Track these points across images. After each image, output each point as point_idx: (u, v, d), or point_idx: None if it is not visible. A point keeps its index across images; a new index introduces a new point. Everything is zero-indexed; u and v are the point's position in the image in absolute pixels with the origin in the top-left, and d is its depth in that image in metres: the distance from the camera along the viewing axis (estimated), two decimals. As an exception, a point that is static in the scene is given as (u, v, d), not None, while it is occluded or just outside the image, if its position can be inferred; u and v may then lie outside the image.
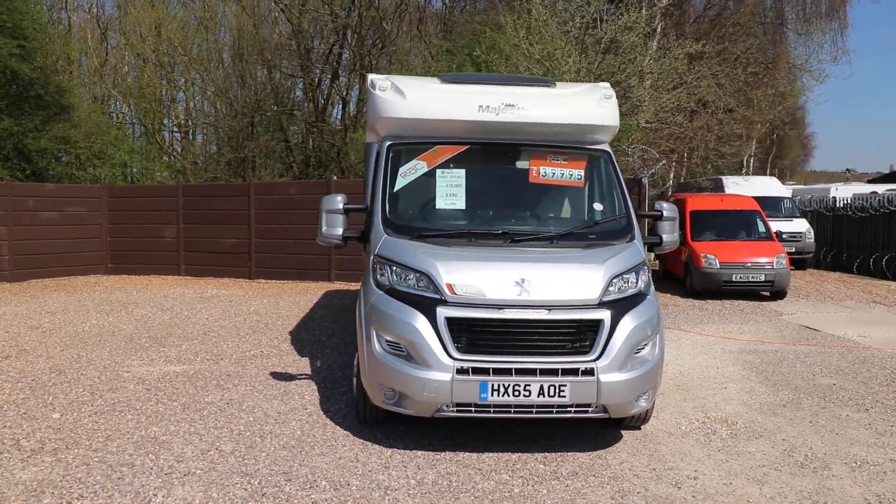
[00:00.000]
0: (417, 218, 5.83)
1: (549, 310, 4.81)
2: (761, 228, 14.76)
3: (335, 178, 18.64)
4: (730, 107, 17.04)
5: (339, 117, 29.14)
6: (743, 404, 6.40)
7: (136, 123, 30.38)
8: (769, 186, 20.35)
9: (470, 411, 4.78)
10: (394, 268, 5.09)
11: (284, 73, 28.14)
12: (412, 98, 5.86)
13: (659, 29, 19.08)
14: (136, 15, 28.51)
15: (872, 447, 5.30)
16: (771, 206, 19.40)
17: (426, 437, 5.27)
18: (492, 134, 5.96)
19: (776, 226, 18.14)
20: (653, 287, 5.35)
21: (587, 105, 5.99)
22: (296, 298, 12.89)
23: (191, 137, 30.60)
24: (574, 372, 4.74)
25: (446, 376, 4.68)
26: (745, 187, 19.61)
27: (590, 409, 4.82)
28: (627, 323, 4.90)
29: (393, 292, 5.03)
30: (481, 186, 6.06)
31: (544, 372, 4.73)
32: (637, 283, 5.17)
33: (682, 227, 15.01)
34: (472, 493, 4.34)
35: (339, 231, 5.73)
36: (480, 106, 5.79)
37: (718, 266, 13.40)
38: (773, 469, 4.85)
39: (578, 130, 5.99)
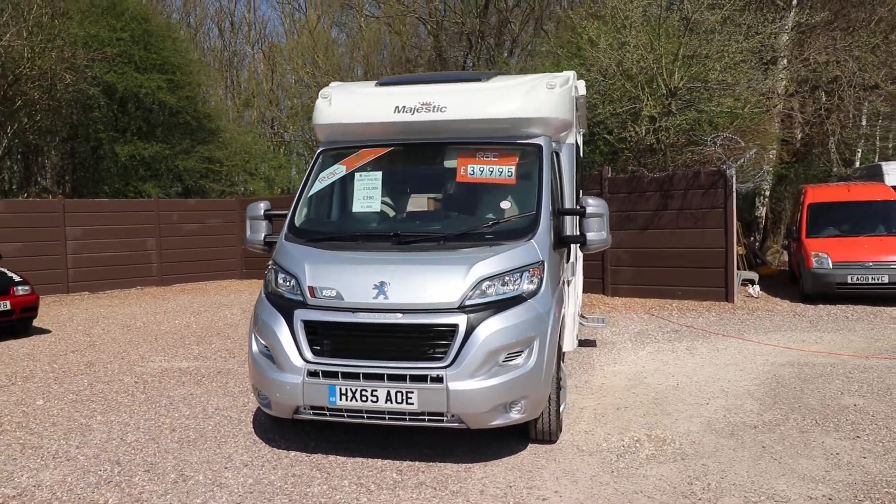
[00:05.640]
0: (320, 223, 5.86)
1: (404, 314, 4.65)
2: (897, 222, 12.60)
3: None
4: (872, 83, 14.68)
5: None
6: (705, 423, 5.62)
7: (299, 142, 33.15)
8: (944, 172, 17.25)
9: (325, 415, 4.77)
10: (278, 272, 5.20)
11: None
12: (337, 104, 5.93)
13: (794, 2, 17.02)
14: (296, 41, 31.17)
15: (804, 480, 4.44)
16: (946, 195, 16.48)
17: (319, 439, 5.31)
18: (411, 134, 5.83)
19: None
20: (544, 289, 4.91)
21: (513, 99, 5.64)
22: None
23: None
24: (423, 378, 4.54)
25: (297, 379, 4.71)
26: (912, 175, 16.86)
27: (444, 419, 4.59)
28: (490, 327, 4.58)
29: (271, 296, 5.15)
30: (402, 189, 5.97)
31: (392, 378, 4.58)
32: (519, 284, 4.81)
33: (798, 222, 13.33)
34: (290, 497, 4.32)
35: (261, 237, 5.93)
36: (396, 107, 5.71)
37: (831, 266, 11.67)
38: (647, 497, 4.25)
39: (504, 125, 5.65)
